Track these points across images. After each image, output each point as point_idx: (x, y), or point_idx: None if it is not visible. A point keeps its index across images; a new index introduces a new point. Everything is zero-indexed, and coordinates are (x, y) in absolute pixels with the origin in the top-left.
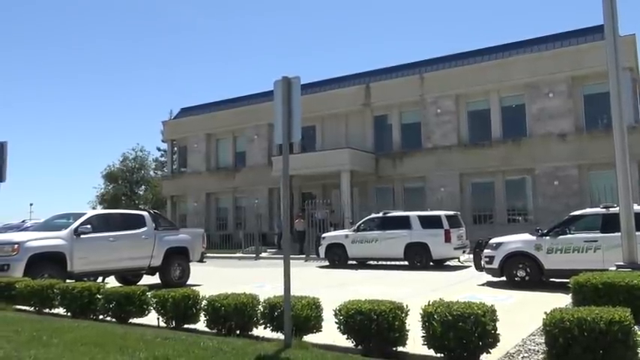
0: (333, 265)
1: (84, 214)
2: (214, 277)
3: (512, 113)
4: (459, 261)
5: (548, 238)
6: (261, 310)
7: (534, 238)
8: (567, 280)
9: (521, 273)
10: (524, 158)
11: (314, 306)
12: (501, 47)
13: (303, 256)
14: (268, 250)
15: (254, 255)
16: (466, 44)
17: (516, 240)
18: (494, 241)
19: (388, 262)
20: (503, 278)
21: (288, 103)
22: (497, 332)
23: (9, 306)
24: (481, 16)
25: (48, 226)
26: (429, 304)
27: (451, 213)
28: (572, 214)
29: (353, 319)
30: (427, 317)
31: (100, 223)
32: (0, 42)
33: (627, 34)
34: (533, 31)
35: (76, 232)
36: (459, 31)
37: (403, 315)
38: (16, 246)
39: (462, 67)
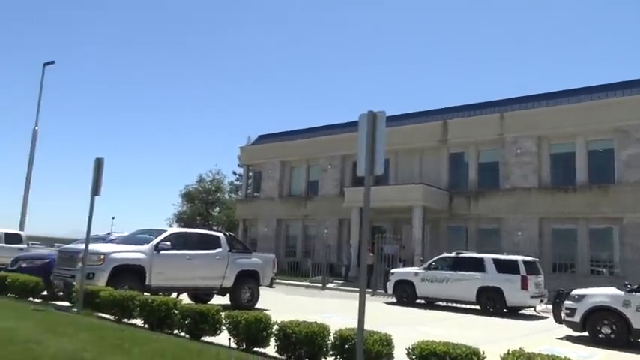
0: (400, 302)
1: (164, 230)
2: (282, 303)
3: (599, 158)
4: (535, 310)
5: (639, 294)
6: (332, 341)
7: (622, 293)
8: None
9: (606, 330)
10: (611, 206)
11: (385, 342)
12: (587, 89)
13: (370, 290)
14: (335, 281)
15: (321, 285)
16: (546, 86)
17: (602, 293)
18: (576, 292)
19: (458, 305)
20: (585, 333)
21: (373, 136)
22: None
23: (92, 312)
24: (561, 59)
25: (131, 239)
26: (508, 353)
27: (529, 259)
28: None
29: None
30: None
31: (178, 241)
32: (100, 72)
33: None
34: (620, 74)
35: (157, 248)
36: (539, 72)
37: None
38: (102, 256)
39: (545, 108)
